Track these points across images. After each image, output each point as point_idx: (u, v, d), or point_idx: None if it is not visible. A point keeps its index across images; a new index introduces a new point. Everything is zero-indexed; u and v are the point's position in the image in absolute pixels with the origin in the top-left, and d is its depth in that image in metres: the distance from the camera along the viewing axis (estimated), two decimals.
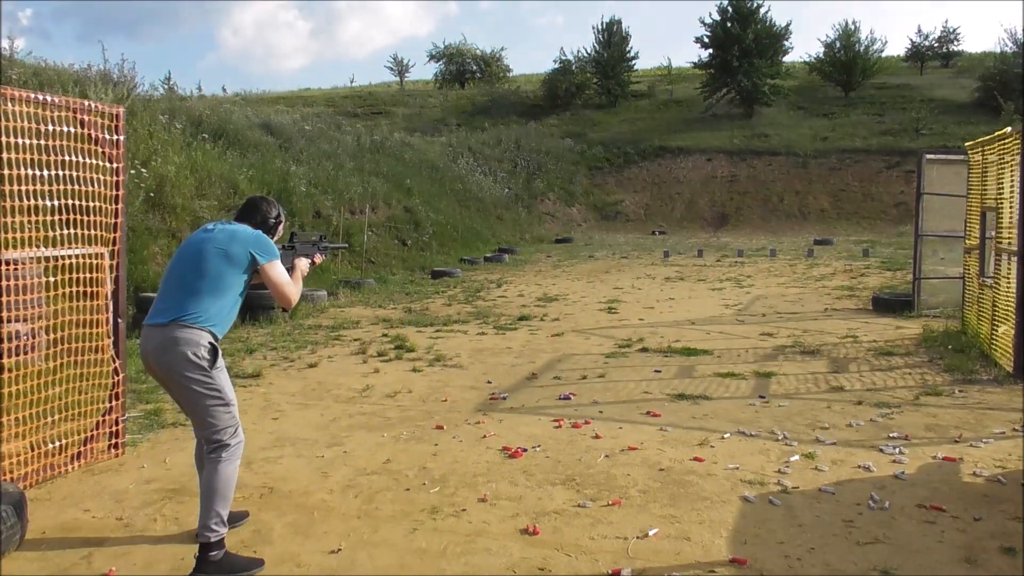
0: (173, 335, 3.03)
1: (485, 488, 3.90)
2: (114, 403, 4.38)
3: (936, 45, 42.24)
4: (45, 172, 3.94)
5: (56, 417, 4.08)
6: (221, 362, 3.13)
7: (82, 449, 4.24)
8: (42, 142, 3.93)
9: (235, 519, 3.38)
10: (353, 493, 3.87)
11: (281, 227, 3.50)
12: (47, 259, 4.04)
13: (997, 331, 6.70)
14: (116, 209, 4.39)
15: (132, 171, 10.35)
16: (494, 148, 29.99)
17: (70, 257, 4.12)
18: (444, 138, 29.88)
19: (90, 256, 4.23)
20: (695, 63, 36.44)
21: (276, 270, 3.28)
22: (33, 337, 3.95)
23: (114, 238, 4.38)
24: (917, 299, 9.81)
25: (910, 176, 24.44)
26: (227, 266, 3.13)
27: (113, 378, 4.37)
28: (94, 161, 4.23)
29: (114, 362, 4.37)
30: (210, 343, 3.07)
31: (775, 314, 10.04)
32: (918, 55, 41.90)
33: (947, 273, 10.57)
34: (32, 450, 3.95)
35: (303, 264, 3.61)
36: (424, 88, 45.21)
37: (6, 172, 3.72)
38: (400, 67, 47.91)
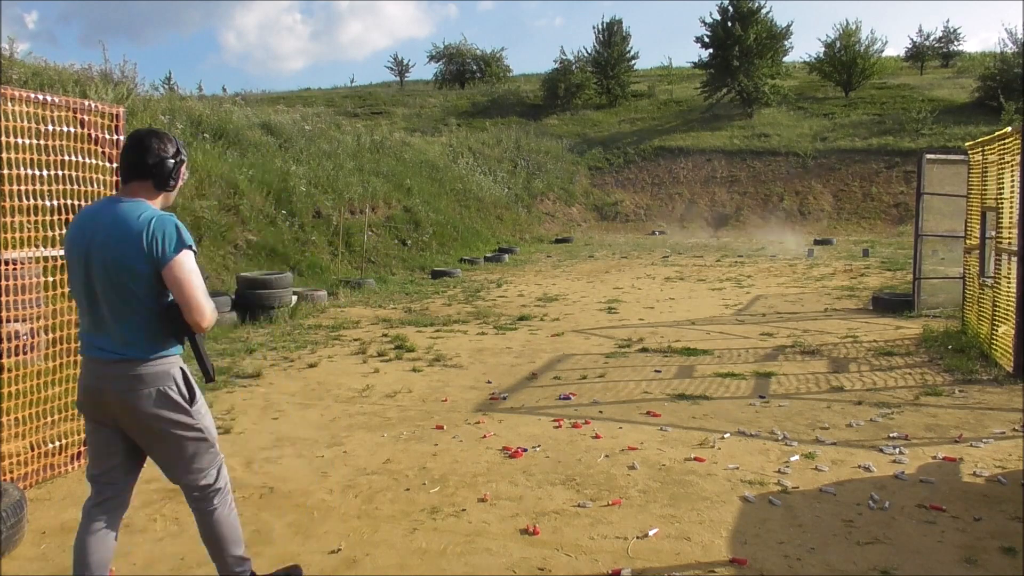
0: (135, 373, 2.47)
1: (485, 488, 3.90)
2: None
3: (937, 45, 42.23)
4: (45, 172, 3.94)
5: (56, 417, 4.08)
6: (199, 394, 2.62)
7: (82, 449, 4.24)
8: (42, 142, 3.92)
9: None
10: (353, 493, 3.87)
11: (184, 169, 2.64)
12: (47, 259, 4.04)
13: (997, 331, 6.70)
14: None
15: None
16: (494, 148, 29.98)
17: None
18: (444, 138, 29.87)
19: None
20: (695, 63, 36.43)
21: (185, 267, 2.43)
22: (33, 337, 3.95)
23: None
24: (917, 299, 9.80)
25: (910, 176, 24.45)
26: (130, 279, 2.43)
27: None
28: (94, 161, 4.22)
29: None
30: (182, 370, 2.56)
31: (775, 314, 10.04)
32: (918, 55, 41.89)
33: (947, 273, 10.58)
34: (32, 450, 3.94)
35: None
36: (424, 88, 45.20)
37: (6, 172, 3.72)
38: (400, 67, 47.93)
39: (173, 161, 2.55)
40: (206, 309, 2.47)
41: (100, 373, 2.51)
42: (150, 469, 4.21)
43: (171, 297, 2.49)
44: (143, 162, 2.51)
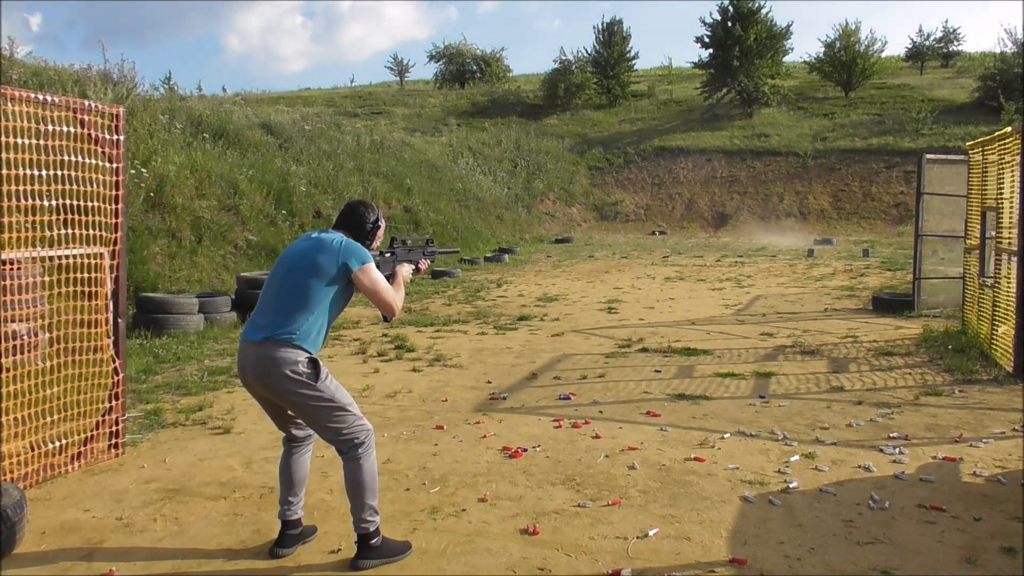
0: (269, 354, 2.96)
1: (485, 488, 3.90)
2: (114, 403, 4.38)
3: (937, 45, 42.24)
4: (45, 172, 3.94)
5: (56, 417, 4.08)
6: (325, 372, 3.05)
7: (82, 449, 4.24)
8: (42, 142, 3.92)
9: (307, 533, 3.30)
10: None
11: (380, 232, 3.37)
12: (47, 259, 4.04)
13: (997, 331, 6.70)
14: (116, 209, 4.38)
15: (132, 171, 10.35)
16: (494, 148, 30.01)
17: (70, 257, 4.12)
18: (444, 138, 29.91)
19: (90, 256, 4.23)
20: (695, 63, 36.44)
21: (369, 276, 3.12)
22: (33, 337, 3.95)
23: (114, 238, 4.38)
24: (917, 299, 9.80)
25: (910, 176, 24.46)
26: (315, 279, 3.02)
27: (113, 378, 4.37)
28: (94, 161, 4.22)
29: (114, 362, 4.37)
30: (307, 358, 3.00)
31: (775, 314, 10.04)
32: (918, 55, 41.90)
33: (947, 273, 10.57)
34: (32, 450, 3.94)
35: (405, 270, 3.45)
36: (424, 88, 45.19)
37: (6, 172, 3.72)
38: (400, 67, 47.90)
39: (371, 225, 3.35)
40: (394, 302, 3.25)
41: (246, 352, 3.08)
42: (151, 469, 4.22)
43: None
44: (348, 226, 3.29)
